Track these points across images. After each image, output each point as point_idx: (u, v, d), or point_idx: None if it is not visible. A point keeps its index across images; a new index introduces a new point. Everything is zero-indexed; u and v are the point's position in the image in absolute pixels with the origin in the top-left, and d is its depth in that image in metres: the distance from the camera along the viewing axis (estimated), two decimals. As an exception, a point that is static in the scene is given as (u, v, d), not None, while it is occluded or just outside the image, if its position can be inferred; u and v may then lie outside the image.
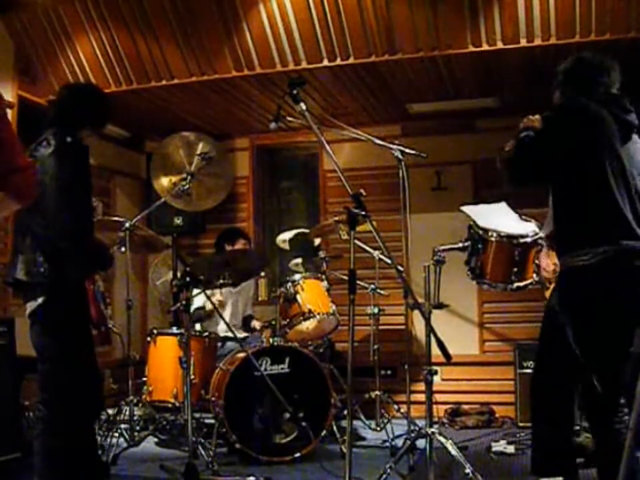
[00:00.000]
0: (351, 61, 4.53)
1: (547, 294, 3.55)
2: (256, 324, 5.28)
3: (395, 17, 4.30)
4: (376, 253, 4.77)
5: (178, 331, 4.38)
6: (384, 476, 3.28)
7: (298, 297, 4.40)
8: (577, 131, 2.65)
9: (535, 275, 3.31)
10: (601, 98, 2.72)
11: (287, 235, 5.30)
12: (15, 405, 3.85)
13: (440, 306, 3.84)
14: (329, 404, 4.17)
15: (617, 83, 2.82)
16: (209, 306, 4.96)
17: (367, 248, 4.67)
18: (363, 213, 2.69)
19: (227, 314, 5.06)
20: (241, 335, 4.99)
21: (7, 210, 2.18)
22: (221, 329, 4.95)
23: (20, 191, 2.09)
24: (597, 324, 2.53)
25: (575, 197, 2.65)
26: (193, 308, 4.83)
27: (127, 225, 4.36)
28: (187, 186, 4.48)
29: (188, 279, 3.72)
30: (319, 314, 4.37)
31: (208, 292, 4.38)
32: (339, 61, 4.55)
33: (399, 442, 4.24)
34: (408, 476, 3.61)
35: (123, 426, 4.35)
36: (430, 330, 2.94)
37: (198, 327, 5.00)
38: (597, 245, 2.52)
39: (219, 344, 4.78)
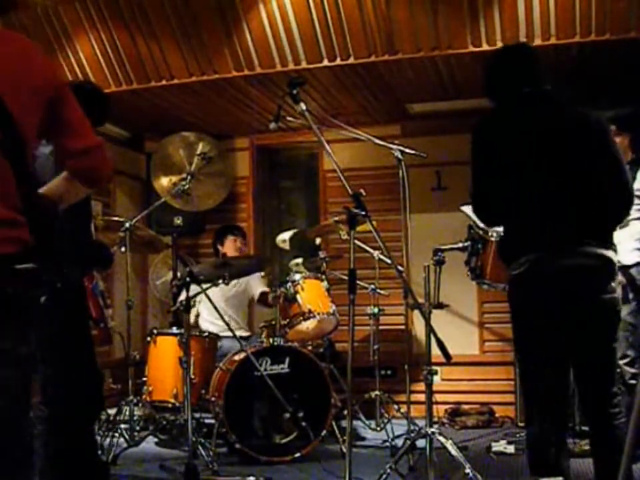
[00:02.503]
0: (351, 61, 4.54)
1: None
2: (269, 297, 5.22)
3: (395, 16, 4.30)
4: (376, 253, 4.76)
5: (178, 331, 4.38)
6: (384, 476, 3.28)
7: (298, 296, 4.40)
8: (478, 152, 2.70)
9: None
10: (512, 101, 2.69)
11: (287, 235, 5.30)
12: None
13: (440, 306, 3.84)
14: (329, 404, 4.17)
15: (528, 76, 2.70)
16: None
17: (367, 248, 4.67)
18: (363, 212, 2.69)
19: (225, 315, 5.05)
20: (243, 334, 4.98)
21: (79, 194, 2.08)
22: (219, 329, 4.95)
23: (86, 174, 2.00)
24: (521, 330, 2.66)
25: (503, 211, 2.69)
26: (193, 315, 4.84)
27: (127, 225, 4.37)
28: (187, 186, 4.48)
29: (188, 279, 3.72)
30: (318, 314, 4.37)
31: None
32: (338, 61, 4.55)
33: (399, 442, 4.23)
34: (408, 476, 3.61)
35: (122, 426, 4.35)
36: (430, 330, 2.95)
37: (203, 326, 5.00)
38: (520, 256, 2.55)
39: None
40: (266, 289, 5.37)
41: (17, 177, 1.76)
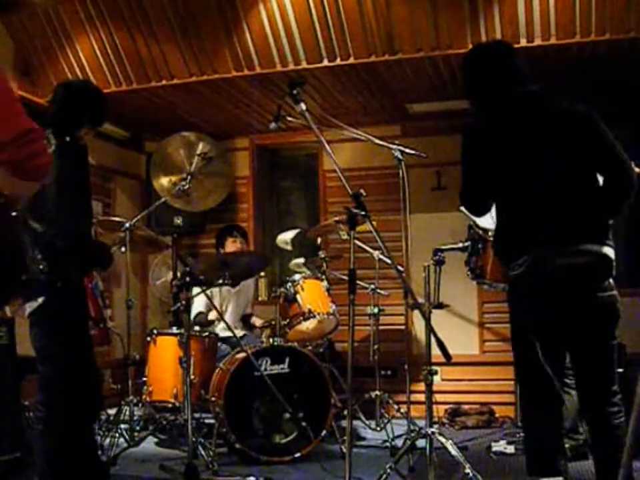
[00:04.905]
0: (351, 61, 4.54)
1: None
2: (256, 321, 5.28)
3: (395, 16, 4.30)
4: (376, 253, 4.77)
5: (178, 331, 4.38)
6: (384, 476, 3.29)
7: (298, 296, 4.40)
8: (469, 154, 2.69)
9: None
10: (500, 103, 2.68)
11: (287, 235, 5.30)
12: (15, 404, 3.85)
13: (440, 306, 3.84)
14: (329, 404, 4.17)
15: (511, 72, 2.70)
16: (211, 316, 4.96)
17: (367, 248, 4.67)
18: (363, 212, 2.69)
19: (227, 315, 5.05)
20: (240, 332, 4.98)
21: (22, 189, 1.93)
22: (219, 329, 4.95)
23: (16, 167, 1.86)
24: (519, 331, 2.69)
25: (498, 212, 2.71)
26: (193, 313, 4.82)
27: (127, 225, 4.37)
28: (187, 186, 4.47)
29: (188, 279, 3.72)
30: (318, 314, 4.37)
31: (208, 294, 4.37)
32: (338, 61, 4.55)
33: (399, 442, 4.23)
34: (408, 476, 3.61)
35: (122, 426, 4.35)
36: (430, 330, 2.94)
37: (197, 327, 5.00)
38: (518, 257, 2.56)
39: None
40: (253, 313, 5.42)
41: None
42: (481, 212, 2.82)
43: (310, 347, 4.63)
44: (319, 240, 5.24)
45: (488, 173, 2.64)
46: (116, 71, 4.90)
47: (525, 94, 2.66)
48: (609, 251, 2.53)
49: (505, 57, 2.74)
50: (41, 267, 2.85)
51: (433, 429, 3.34)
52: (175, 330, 4.49)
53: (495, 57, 2.74)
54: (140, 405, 4.56)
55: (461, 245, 3.51)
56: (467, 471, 3.20)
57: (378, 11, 4.29)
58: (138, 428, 4.54)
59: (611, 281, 2.54)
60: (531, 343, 2.58)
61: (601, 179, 2.61)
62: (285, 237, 5.29)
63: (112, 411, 4.48)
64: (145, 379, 4.45)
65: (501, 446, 4.19)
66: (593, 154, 2.55)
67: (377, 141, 3.95)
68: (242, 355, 4.19)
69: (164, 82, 4.90)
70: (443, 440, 3.33)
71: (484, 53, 2.82)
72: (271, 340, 4.31)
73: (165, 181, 4.58)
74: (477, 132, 2.71)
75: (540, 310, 2.54)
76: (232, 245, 5.26)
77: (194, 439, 3.67)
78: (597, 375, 2.56)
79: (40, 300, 2.88)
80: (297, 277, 4.51)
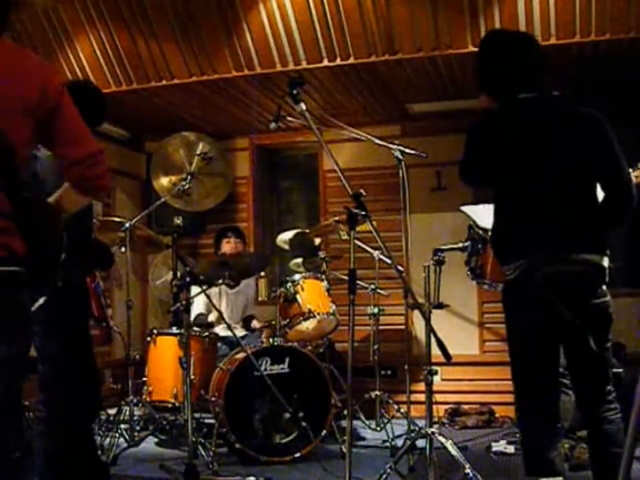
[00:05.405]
0: (351, 61, 4.54)
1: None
2: (256, 324, 5.28)
3: (395, 16, 4.30)
4: (376, 253, 4.77)
5: (178, 331, 4.38)
6: (384, 476, 3.28)
7: (298, 296, 4.40)
8: (473, 150, 2.63)
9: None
10: (512, 99, 2.63)
11: (287, 235, 5.30)
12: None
13: (440, 306, 3.84)
14: (329, 404, 4.17)
15: (529, 70, 2.65)
16: (211, 317, 4.97)
17: (367, 248, 4.67)
18: (363, 212, 2.69)
19: (224, 313, 5.04)
20: (240, 333, 4.98)
21: (77, 204, 2.05)
22: (218, 329, 4.95)
23: (82, 184, 1.98)
24: (513, 333, 2.65)
25: (496, 212, 2.68)
26: (193, 314, 4.82)
27: (127, 225, 4.37)
28: (187, 186, 4.48)
29: (188, 279, 3.72)
30: (318, 314, 4.37)
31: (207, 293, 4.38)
32: (338, 61, 4.56)
33: (399, 442, 4.24)
34: (408, 476, 3.61)
35: (122, 426, 4.35)
36: (430, 330, 2.94)
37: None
38: (515, 260, 2.54)
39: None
40: (253, 314, 5.43)
41: (6, 186, 1.76)
42: (477, 185, 2.80)
43: (310, 347, 4.63)
44: (319, 240, 5.23)
45: (488, 172, 2.63)
46: (116, 71, 4.90)
47: (531, 94, 2.62)
48: (605, 261, 2.52)
49: (520, 51, 2.69)
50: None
51: (433, 429, 3.34)
52: (174, 330, 4.49)
53: (510, 50, 2.69)
54: (140, 405, 4.56)
55: (460, 245, 3.51)
56: (467, 471, 3.20)
57: (378, 11, 4.29)
58: (138, 428, 4.54)
59: (604, 287, 2.55)
60: (526, 344, 2.58)
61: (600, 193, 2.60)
62: (285, 237, 5.29)
63: (112, 411, 4.49)
64: (145, 378, 4.45)
65: (500, 446, 4.19)
66: (593, 155, 2.54)
67: (377, 141, 3.95)
68: (242, 354, 4.19)
69: (164, 82, 4.90)
70: (443, 440, 3.33)
71: (500, 43, 2.76)
72: (270, 340, 4.31)
73: (165, 181, 4.59)
74: (480, 129, 2.69)
75: (534, 312, 2.53)
76: (227, 246, 5.27)
77: (194, 439, 3.67)
78: (593, 377, 2.57)
79: (41, 300, 2.88)
80: (297, 276, 4.51)
